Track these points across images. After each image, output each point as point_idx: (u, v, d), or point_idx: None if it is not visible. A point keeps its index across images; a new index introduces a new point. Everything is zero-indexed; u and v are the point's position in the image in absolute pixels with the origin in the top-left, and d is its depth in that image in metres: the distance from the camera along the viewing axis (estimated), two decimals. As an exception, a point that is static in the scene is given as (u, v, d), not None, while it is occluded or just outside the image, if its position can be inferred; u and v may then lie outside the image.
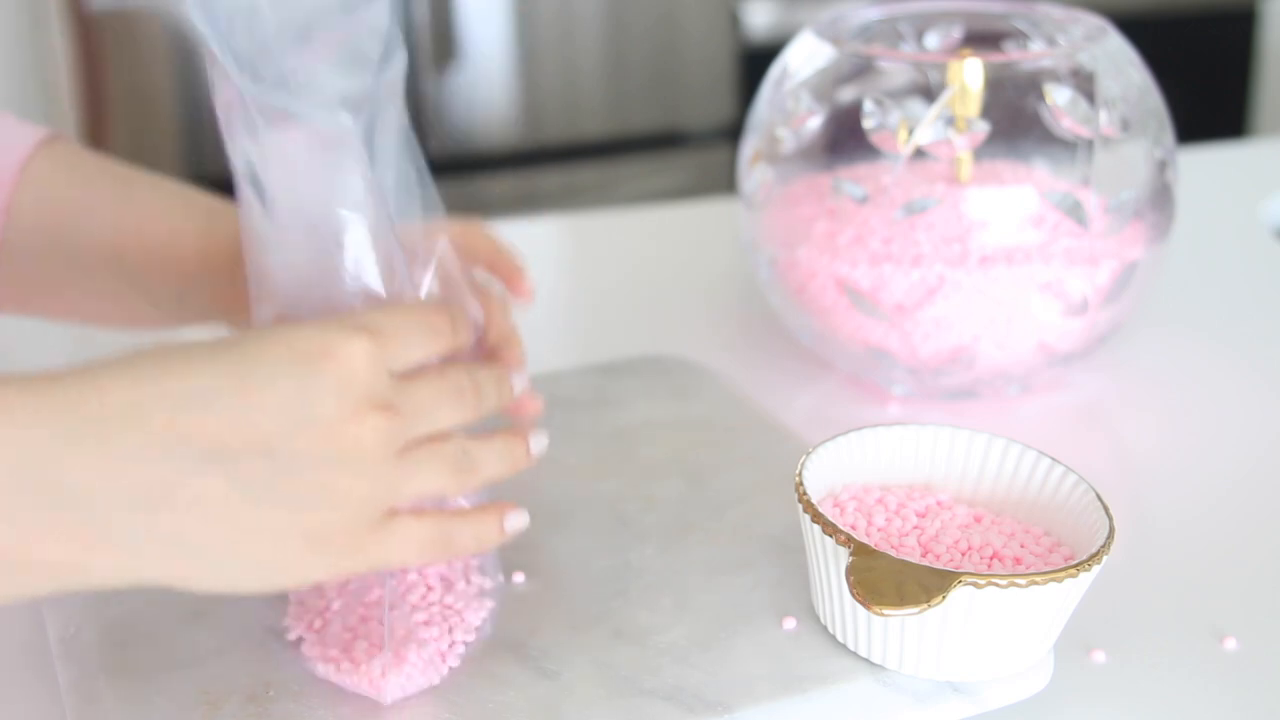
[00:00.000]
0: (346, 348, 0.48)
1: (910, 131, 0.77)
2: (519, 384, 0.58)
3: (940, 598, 0.50)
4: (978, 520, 0.59)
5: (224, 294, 0.69)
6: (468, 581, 0.59)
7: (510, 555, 0.62)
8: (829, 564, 0.55)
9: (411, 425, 0.50)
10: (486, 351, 0.66)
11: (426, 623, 0.56)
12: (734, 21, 2.25)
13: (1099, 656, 0.59)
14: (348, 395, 0.48)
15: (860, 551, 0.52)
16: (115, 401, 0.45)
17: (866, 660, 0.55)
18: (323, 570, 0.49)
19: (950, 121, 0.77)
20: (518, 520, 0.55)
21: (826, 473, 0.59)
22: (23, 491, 0.44)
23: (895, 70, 0.81)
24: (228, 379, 0.47)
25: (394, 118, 0.57)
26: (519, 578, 0.61)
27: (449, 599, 0.58)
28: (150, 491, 0.45)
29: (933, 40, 0.86)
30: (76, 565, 0.46)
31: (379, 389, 0.49)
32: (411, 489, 0.51)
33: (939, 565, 0.56)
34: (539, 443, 0.57)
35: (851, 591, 0.51)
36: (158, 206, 0.69)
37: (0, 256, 0.69)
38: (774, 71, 0.85)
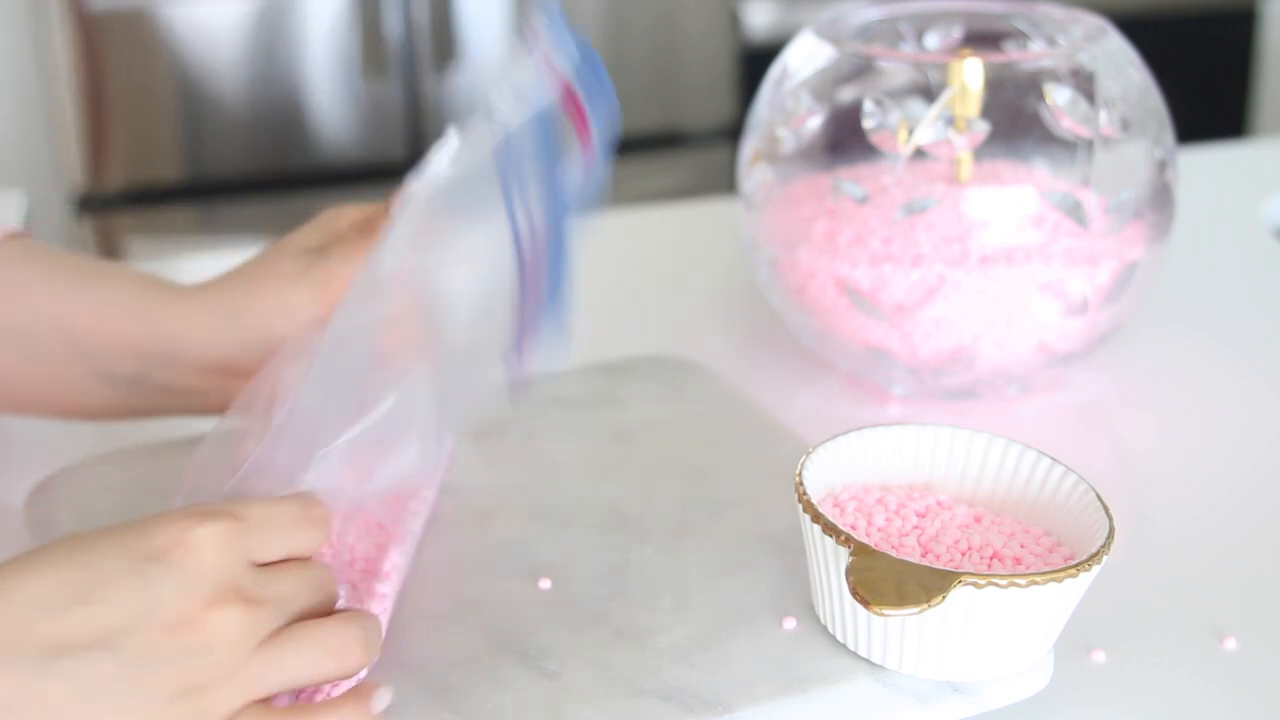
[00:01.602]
0: (195, 537, 0.47)
1: (910, 131, 0.77)
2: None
3: (940, 598, 0.50)
4: (978, 520, 0.59)
5: (185, 379, 0.68)
6: None
7: (514, 556, 0.62)
8: (829, 564, 0.55)
9: (276, 614, 0.48)
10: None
11: None
12: (734, 21, 2.25)
13: (1099, 656, 0.59)
14: (195, 589, 0.46)
15: (860, 551, 0.52)
16: None
17: (866, 660, 0.55)
18: None
19: (950, 121, 0.77)
20: (383, 698, 0.51)
21: (826, 473, 0.59)
22: None
23: (895, 70, 0.81)
24: (73, 579, 0.46)
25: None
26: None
27: None
28: (1, 700, 0.44)
29: (933, 40, 0.86)
30: None
31: (234, 578, 0.47)
32: (276, 682, 0.48)
33: (939, 565, 0.56)
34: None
35: (851, 591, 0.51)
36: (117, 288, 0.68)
37: None
38: (774, 71, 0.84)
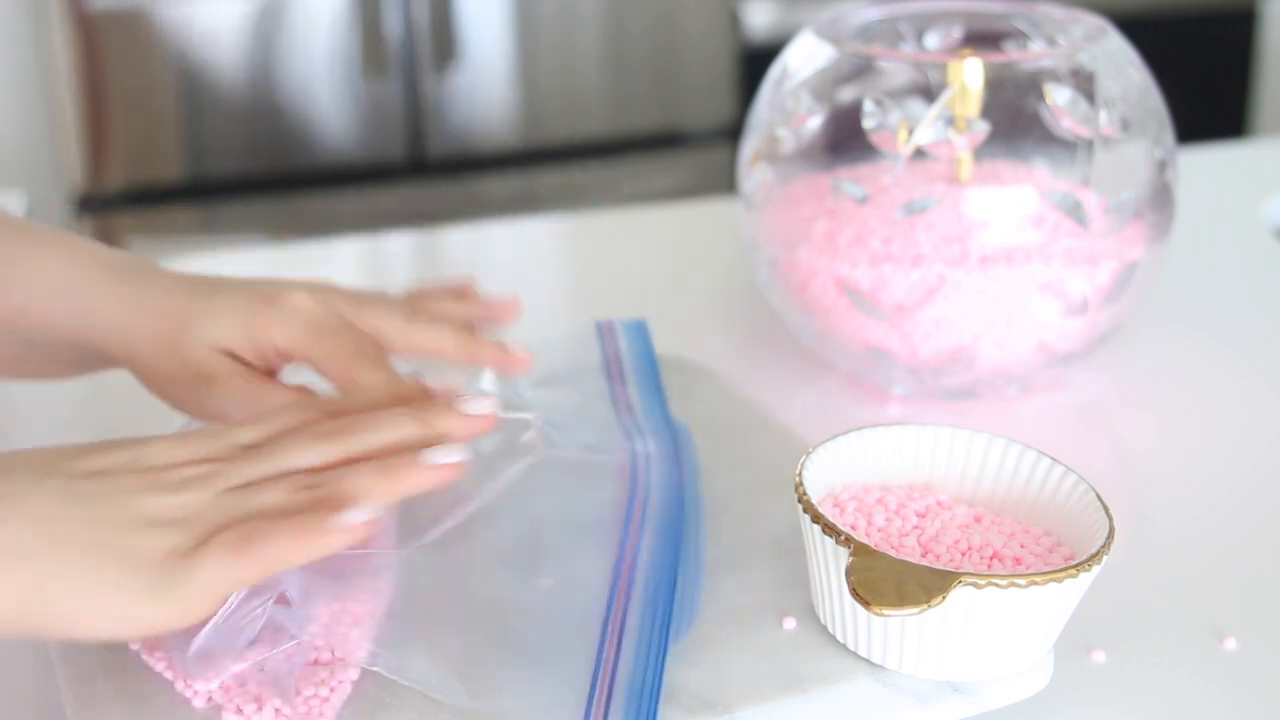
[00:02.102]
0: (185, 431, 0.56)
1: (910, 131, 0.77)
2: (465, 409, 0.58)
3: (940, 598, 0.50)
4: (978, 520, 0.59)
5: (135, 362, 0.67)
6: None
7: (519, 556, 0.62)
8: (829, 564, 0.55)
9: (241, 468, 0.54)
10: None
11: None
12: (734, 21, 2.25)
13: (1099, 656, 0.59)
14: (180, 451, 0.55)
15: (860, 551, 0.52)
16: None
17: (866, 660, 0.55)
18: (133, 599, 0.50)
19: (950, 121, 0.77)
20: (356, 515, 0.52)
21: (826, 473, 0.59)
22: None
23: (895, 70, 0.81)
24: (93, 443, 0.55)
25: None
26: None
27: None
28: (38, 512, 0.51)
29: (933, 40, 0.86)
30: None
31: (213, 448, 0.56)
32: (242, 509, 0.53)
33: (939, 565, 0.56)
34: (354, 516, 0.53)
35: (851, 592, 0.51)
36: (52, 272, 0.67)
37: None
38: (774, 71, 0.85)
